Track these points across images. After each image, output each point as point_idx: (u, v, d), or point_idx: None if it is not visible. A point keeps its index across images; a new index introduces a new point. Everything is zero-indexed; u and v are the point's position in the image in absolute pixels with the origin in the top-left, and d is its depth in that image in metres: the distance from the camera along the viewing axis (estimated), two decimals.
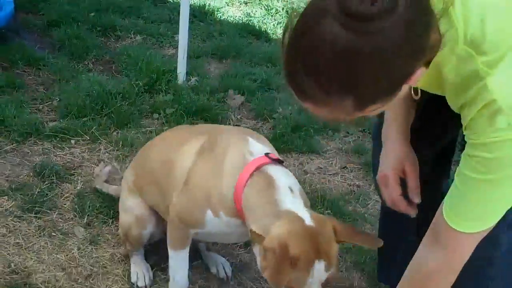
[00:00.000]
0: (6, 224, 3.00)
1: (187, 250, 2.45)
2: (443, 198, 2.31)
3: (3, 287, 2.66)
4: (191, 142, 2.40)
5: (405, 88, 1.44)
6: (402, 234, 2.42)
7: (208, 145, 2.34)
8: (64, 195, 3.26)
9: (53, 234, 2.97)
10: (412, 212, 2.12)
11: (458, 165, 1.68)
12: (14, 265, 2.79)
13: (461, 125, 2.05)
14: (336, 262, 2.07)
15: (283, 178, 2.17)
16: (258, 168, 2.16)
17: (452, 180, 1.72)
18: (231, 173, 2.19)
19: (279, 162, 2.24)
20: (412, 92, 1.76)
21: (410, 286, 1.89)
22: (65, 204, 3.21)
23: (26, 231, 3.00)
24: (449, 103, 1.70)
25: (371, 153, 2.58)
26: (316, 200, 3.44)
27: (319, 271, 1.99)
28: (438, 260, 1.76)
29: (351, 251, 3.13)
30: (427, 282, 1.82)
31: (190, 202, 2.31)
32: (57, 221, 3.07)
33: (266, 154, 2.22)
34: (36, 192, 3.19)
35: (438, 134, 2.28)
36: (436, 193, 2.32)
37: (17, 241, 2.94)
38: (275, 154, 2.32)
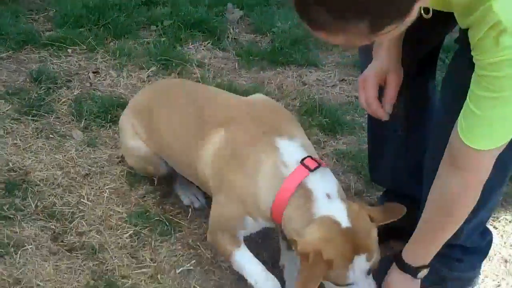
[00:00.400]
0: (4, 126, 3.00)
1: (244, 248, 2.24)
2: (427, 99, 2.33)
3: (1, 183, 2.67)
4: (208, 140, 2.25)
5: (417, 7, 1.42)
6: (390, 130, 2.42)
7: (230, 149, 2.19)
8: (61, 100, 3.25)
9: (50, 136, 2.97)
10: (383, 115, 2.16)
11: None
12: (12, 164, 2.80)
13: (447, 30, 2.06)
14: (377, 248, 2.04)
15: (321, 187, 2.03)
16: (297, 186, 2.02)
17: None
18: (268, 192, 2.06)
19: (317, 164, 2.07)
20: (422, 11, 1.73)
21: (438, 213, 1.90)
22: (62, 109, 3.20)
23: (24, 133, 3.00)
24: (458, 23, 1.72)
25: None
26: (314, 109, 3.43)
27: (360, 264, 1.96)
28: (460, 182, 1.78)
29: (348, 155, 3.13)
30: (453, 205, 1.84)
31: (226, 214, 2.21)
32: (54, 124, 3.07)
33: (302, 162, 2.06)
34: (33, 97, 3.19)
35: (424, 38, 2.26)
36: (421, 92, 2.34)
37: (15, 142, 2.95)
38: (312, 153, 2.16)
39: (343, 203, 2.01)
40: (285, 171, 2.03)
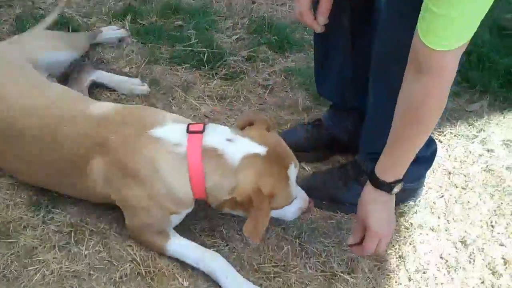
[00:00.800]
0: None
1: (174, 236, 2.15)
2: (373, 10, 2.29)
3: None
4: (89, 176, 2.08)
5: None
6: (335, 42, 2.40)
7: (117, 172, 2.04)
8: (2, 19, 3.14)
9: None
10: (317, 28, 2.19)
11: None
12: None
13: None
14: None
15: (220, 138, 2.01)
16: (201, 154, 1.97)
17: None
18: (180, 180, 1.99)
19: (201, 124, 2.05)
20: None
21: (405, 122, 1.86)
22: (3, 28, 3.10)
23: None
24: None
25: None
26: (263, 27, 3.41)
27: (293, 174, 2.04)
28: (426, 87, 1.74)
29: (297, 72, 3.13)
30: (420, 111, 1.80)
31: (149, 221, 2.10)
32: None
33: (188, 131, 2.01)
34: None
35: None
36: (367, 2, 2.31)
37: None
38: (186, 120, 2.15)
39: (246, 137, 2.02)
40: (182, 150, 1.97)
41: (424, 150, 2.27)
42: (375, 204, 1.97)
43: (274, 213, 2.06)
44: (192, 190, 1.98)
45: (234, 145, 1.98)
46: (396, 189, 1.97)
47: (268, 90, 3.01)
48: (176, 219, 2.11)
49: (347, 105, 2.56)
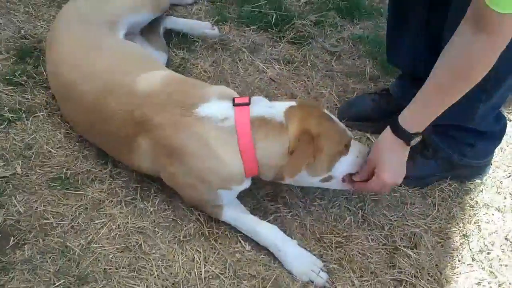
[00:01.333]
0: None
1: (229, 208, 2.13)
2: None
3: (13, 50, 2.62)
4: (138, 151, 2.07)
5: None
6: (412, 11, 2.34)
7: (167, 151, 2.01)
8: None
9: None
10: None
11: None
12: (24, 32, 2.75)
13: None
14: None
15: (265, 106, 2.03)
16: (250, 125, 1.95)
17: None
18: (231, 153, 1.96)
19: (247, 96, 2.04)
20: None
21: (451, 75, 1.82)
22: None
23: (36, 1, 2.94)
24: None
25: None
26: None
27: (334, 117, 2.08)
28: (482, 46, 1.70)
29: (365, 40, 3.07)
30: (474, 69, 1.77)
31: (198, 196, 2.09)
32: None
33: (234, 104, 1.99)
34: None
35: None
36: None
37: (27, 9, 2.89)
38: (231, 93, 2.11)
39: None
40: (230, 122, 1.95)
41: (492, 125, 2.23)
42: (390, 153, 1.97)
43: (335, 170, 2.05)
44: (243, 163, 1.96)
45: (275, 108, 2.00)
46: (414, 142, 1.96)
47: (335, 57, 2.97)
48: (227, 195, 2.08)
49: (417, 75, 2.50)
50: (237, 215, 2.11)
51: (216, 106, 1.98)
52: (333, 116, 2.06)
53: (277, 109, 1.99)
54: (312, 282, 2.01)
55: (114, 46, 2.34)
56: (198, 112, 1.95)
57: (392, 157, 1.97)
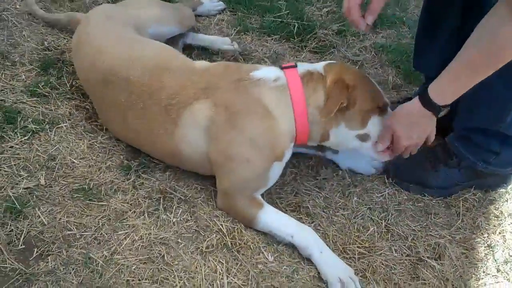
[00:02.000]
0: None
1: (267, 206, 2.15)
2: None
3: (37, 62, 2.65)
4: (189, 119, 2.12)
5: None
6: (445, 17, 2.32)
7: (226, 114, 2.08)
8: None
9: None
10: (362, 27, 2.14)
11: None
12: (48, 43, 2.78)
13: None
14: None
15: (307, 66, 2.19)
16: (301, 81, 2.11)
17: None
18: (285, 111, 2.11)
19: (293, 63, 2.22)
20: None
21: (485, 54, 1.82)
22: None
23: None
24: None
25: None
26: None
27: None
28: None
29: (387, 49, 3.06)
30: (503, 48, 1.76)
31: (252, 173, 2.12)
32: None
33: (282, 68, 2.17)
34: None
35: None
36: None
37: None
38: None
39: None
40: (282, 81, 2.11)
41: None
42: (415, 124, 2.06)
43: (370, 127, 2.15)
44: (295, 120, 2.08)
45: (317, 64, 2.18)
46: (442, 113, 2.01)
47: (357, 66, 2.96)
48: (276, 172, 2.15)
49: None
50: (275, 215, 2.12)
51: (267, 70, 2.14)
52: (372, 80, 2.17)
53: (319, 64, 2.16)
54: None
55: (149, 40, 2.42)
56: (253, 75, 2.11)
57: (414, 128, 2.07)
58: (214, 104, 2.07)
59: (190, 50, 2.89)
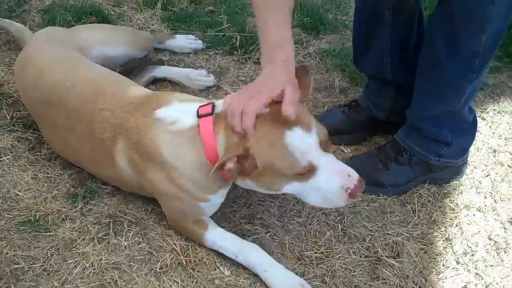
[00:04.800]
0: None
1: (213, 226, 2.09)
2: None
3: None
4: (116, 159, 2.07)
5: None
6: (378, 18, 2.34)
7: (136, 150, 2.00)
8: (33, 10, 3.13)
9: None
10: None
11: None
12: None
13: None
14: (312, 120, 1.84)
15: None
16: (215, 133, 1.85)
17: None
18: (197, 168, 1.92)
19: (210, 105, 1.92)
20: None
21: None
22: (34, 19, 3.11)
23: None
24: None
25: None
26: (296, 8, 3.34)
27: (298, 136, 1.76)
28: None
29: (332, 54, 3.06)
30: None
31: (179, 209, 2.06)
32: None
33: (199, 116, 1.89)
34: (3, 8, 3.06)
35: None
36: None
37: None
38: (194, 100, 2.05)
39: None
40: (182, 125, 1.92)
41: (467, 115, 2.21)
42: None
43: (298, 189, 1.84)
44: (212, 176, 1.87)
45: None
46: None
47: None
48: (209, 208, 2.06)
49: (384, 78, 2.48)
50: (222, 235, 2.06)
51: (173, 109, 1.96)
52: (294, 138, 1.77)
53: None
54: None
55: (92, 65, 2.35)
56: (155, 114, 1.95)
57: None
58: (128, 144, 2.00)
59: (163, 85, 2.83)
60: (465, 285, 2.06)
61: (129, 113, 2.01)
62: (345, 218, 2.24)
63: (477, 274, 2.10)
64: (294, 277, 1.96)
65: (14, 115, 2.52)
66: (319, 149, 1.79)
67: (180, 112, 1.93)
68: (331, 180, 1.80)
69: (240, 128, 1.74)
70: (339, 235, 2.19)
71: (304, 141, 1.76)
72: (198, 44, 3.02)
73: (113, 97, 2.08)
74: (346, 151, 2.53)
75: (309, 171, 1.78)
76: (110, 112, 2.04)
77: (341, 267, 2.07)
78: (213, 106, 1.88)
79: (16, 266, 1.96)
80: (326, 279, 2.02)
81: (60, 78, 2.18)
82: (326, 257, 2.10)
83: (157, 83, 2.81)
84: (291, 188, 1.83)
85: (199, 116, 1.87)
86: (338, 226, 2.21)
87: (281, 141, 1.74)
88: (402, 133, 2.37)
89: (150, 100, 2.02)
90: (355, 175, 1.82)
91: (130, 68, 2.69)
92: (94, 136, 2.06)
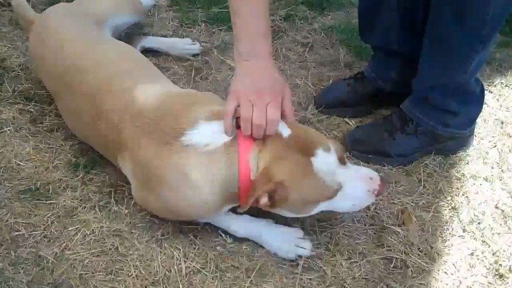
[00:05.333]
0: None
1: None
2: None
3: None
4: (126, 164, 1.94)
5: None
6: None
7: (145, 173, 1.86)
8: None
9: None
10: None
11: None
12: None
13: None
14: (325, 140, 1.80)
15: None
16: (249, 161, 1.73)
17: None
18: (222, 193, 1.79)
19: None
20: None
21: None
22: None
23: None
24: None
25: None
26: None
27: (322, 161, 1.72)
28: None
29: (337, 29, 3.04)
30: None
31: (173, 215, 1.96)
32: None
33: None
34: None
35: None
36: None
37: None
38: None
39: None
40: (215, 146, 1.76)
41: (474, 86, 2.17)
42: None
43: (327, 207, 1.82)
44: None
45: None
46: None
47: (308, 48, 2.92)
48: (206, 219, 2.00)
49: (391, 50, 2.44)
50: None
51: (203, 133, 1.78)
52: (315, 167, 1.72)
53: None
54: (301, 256, 1.93)
55: (113, 42, 2.30)
56: (182, 141, 1.77)
57: None
58: (134, 161, 1.87)
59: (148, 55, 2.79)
60: (472, 253, 2.02)
61: (141, 131, 1.85)
62: None
63: (483, 241, 2.06)
64: (287, 231, 1.96)
65: (16, 88, 2.51)
66: (340, 165, 1.77)
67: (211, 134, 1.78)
68: (357, 188, 1.80)
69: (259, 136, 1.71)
70: None
71: (329, 164, 1.74)
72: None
73: (121, 98, 1.94)
74: (351, 123, 2.50)
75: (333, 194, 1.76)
76: (118, 118, 1.91)
77: (345, 235, 2.04)
78: None
79: (17, 233, 1.94)
80: (330, 246, 2.00)
81: (77, 57, 2.10)
82: (330, 225, 2.07)
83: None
84: (320, 208, 1.81)
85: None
86: None
87: (311, 170, 1.71)
88: (408, 103, 2.34)
89: (167, 118, 1.82)
90: (376, 176, 1.83)
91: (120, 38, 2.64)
92: (100, 133, 1.97)
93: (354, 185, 1.79)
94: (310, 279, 1.90)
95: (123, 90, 1.95)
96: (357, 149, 2.33)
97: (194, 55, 2.81)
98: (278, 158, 1.69)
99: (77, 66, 2.07)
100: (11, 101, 2.44)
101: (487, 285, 1.93)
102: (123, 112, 1.90)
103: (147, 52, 2.75)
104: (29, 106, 2.43)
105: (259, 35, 1.77)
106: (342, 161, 1.79)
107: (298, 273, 1.90)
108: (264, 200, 1.70)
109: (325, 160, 1.73)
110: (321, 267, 1.94)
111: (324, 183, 1.72)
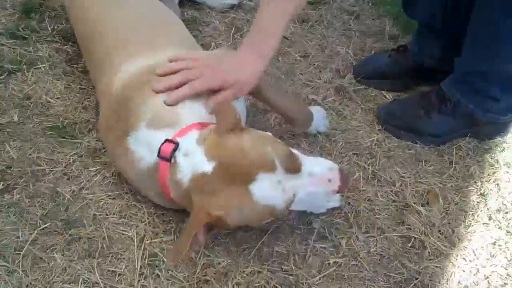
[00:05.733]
0: None
1: None
2: None
3: (19, 5, 2.61)
4: None
5: None
6: None
7: None
8: None
9: None
10: None
11: None
12: None
13: None
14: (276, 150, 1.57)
15: (181, 154, 1.62)
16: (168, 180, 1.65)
17: None
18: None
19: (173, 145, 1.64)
20: None
21: None
22: None
23: None
24: None
25: None
26: None
27: (264, 185, 1.52)
28: None
29: (386, 1, 2.94)
30: None
31: None
32: None
33: (159, 156, 1.63)
34: None
35: None
36: None
37: None
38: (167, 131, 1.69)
39: (201, 148, 1.58)
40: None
41: None
42: None
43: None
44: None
45: (186, 160, 1.60)
46: None
47: (353, 17, 2.85)
48: None
49: (435, 27, 2.36)
50: None
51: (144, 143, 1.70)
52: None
53: (192, 166, 1.59)
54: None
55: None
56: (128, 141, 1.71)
57: None
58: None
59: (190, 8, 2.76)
60: (495, 242, 1.96)
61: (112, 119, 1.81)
62: (377, 161, 2.16)
63: (508, 232, 1.99)
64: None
65: (55, 27, 2.51)
66: (289, 177, 1.56)
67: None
68: (312, 194, 1.62)
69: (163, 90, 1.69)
70: (368, 176, 2.11)
71: (273, 185, 1.53)
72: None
73: (110, 76, 1.85)
74: (388, 97, 2.43)
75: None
76: (107, 99, 1.84)
77: (366, 208, 2.00)
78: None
79: (38, 167, 1.95)
80: (349, 216, 1.95)
81: (96, 19, 2.05)
82: (352, 196, 2.03)
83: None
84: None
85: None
86: (369, 168, 2.13)
87: (251, 201, 1.51)
88: (449, 81, 2.26)
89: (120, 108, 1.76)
90: (335, 174, 1.63)
91: None
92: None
93: (309, 191, 1.61)
94: (324, 247, 1.86)
95: (113, 67, 1.87)
96: (390, 123, 2.27)
97: (232, 7, 2.77)
98: (210, 194, 1.53)
99: (92, 31, 2.03)
100: (49, 39, 2.44)
101: (506, 277, 1.86)
102: (104, 95, 1.86)
103: (187, 3, 2.70)
104: (66, 46, 2.43)
105: (263, 32, 1.78)
106: (293, 170, 1.57)
107: (311, 240, 1.86)
108: (201, 237, 1.54)
109: (268, 183, 1.52)
110: (336, 236, 1.90)
111: (270, 207, 1.53)
